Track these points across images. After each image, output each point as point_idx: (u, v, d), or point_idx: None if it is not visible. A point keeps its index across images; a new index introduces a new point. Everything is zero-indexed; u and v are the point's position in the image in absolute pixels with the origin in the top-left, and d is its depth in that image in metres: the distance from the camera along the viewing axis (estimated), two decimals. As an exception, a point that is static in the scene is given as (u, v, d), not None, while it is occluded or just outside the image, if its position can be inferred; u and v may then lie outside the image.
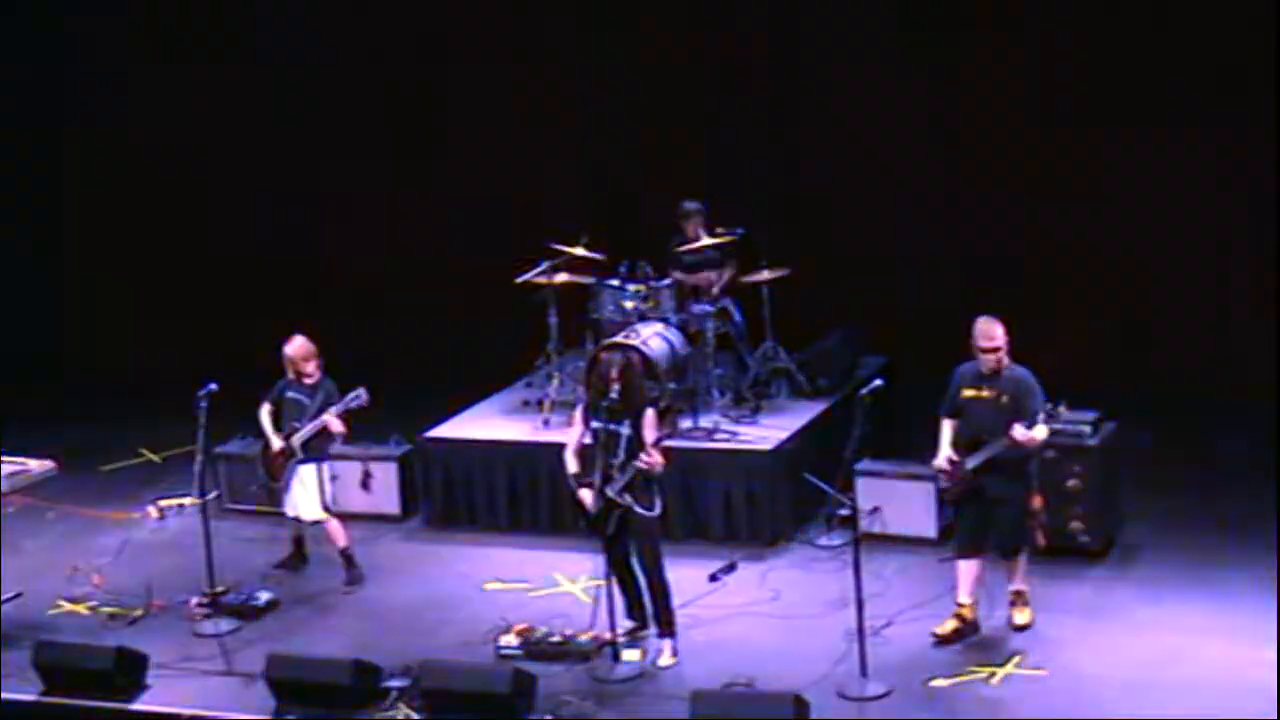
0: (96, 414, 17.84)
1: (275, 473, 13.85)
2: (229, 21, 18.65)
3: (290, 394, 13.85)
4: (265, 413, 13.91)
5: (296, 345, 13.85)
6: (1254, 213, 15.90)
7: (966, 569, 12.30)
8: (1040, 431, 11.87)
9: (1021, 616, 12.28)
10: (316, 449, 13.79)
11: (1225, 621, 12.31)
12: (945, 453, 12.18)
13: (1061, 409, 11.94)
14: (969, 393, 12.12)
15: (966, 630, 12.29)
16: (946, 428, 12.23)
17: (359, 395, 13.65)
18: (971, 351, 12.11)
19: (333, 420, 13.57)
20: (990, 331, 12.01)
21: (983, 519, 12.18)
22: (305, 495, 13.78)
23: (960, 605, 12.32)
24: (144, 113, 18.99)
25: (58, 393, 18.47)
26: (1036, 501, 12.26)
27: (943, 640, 12.23)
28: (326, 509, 13.84)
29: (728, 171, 16.88)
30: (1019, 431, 11.77)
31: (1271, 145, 15.63)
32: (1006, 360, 12.06)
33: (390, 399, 14.23)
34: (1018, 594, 12.31)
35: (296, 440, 13.69)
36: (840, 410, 14.85)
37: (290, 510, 13.90)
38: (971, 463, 12.03)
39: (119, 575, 14.15)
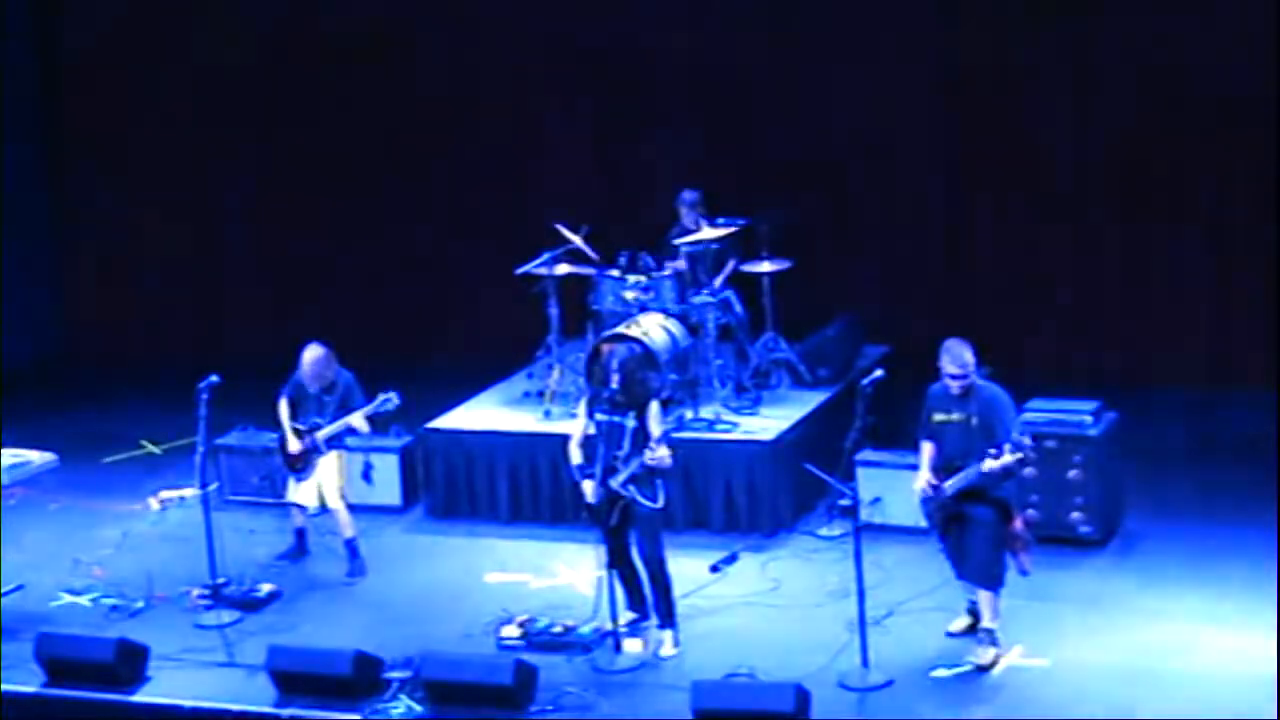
0: (97, 406, 17.83)
1: (295, 464, 13.84)
2: (229, 15, 18.67)
3: (309, 390, 13.84)
4: (283, 405, 13.89)
5: (312, 357, 13.72)
6: (1253, 200, 15.87)
7: None
8: (1008, 458, 11.47)
9: (985, 656, 11.84)
10: (336, 440, 13.80)
11: (1226, 611, 12.32)
12: (924, 476, 11.96)
13: (1027, 438, 11.62)
14: (940, 416, 11.87)
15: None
16: (924, 450, 12.00)
17: (389, 399, 13.62)
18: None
19: (360, 422, 13.59)
20: (960, 357, 11.71)
21: (961, 541, 11.98)
22: (328, 482, 13.77)
23: (974, 601, 12.18)
24: (146, 105, 18.99)
25: (59, 385, 18.47)
26: (1017, 524, 11.89)
27: (956, 635, 12.20)
28: (343, 496, 13.85)
29: (728, 162, 16.87)
30: (988, 464, 11.50)
31: (1272, 132, 15.63)
32: (976, 380, 11.79)
33: (391, 390, 14.20)
34: (987, 632, 11.91)
35: (322, 436, 13.67)
36: (841, 401, 14.85)
37: (307, 498, 13.87)
38: (948, 489, 11.82)
39: (120, 567, 14.16)
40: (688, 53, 17.23)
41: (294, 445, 13.74)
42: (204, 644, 12.76)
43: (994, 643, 11.88)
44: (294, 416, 13.84)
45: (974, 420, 11.73)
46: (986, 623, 11.95)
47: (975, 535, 11.84)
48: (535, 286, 15.47)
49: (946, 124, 16.64)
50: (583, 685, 11.91)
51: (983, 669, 11.80)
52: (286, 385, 13.93)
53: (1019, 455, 11.53)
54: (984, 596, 11.94)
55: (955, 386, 11.78)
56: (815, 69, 16.91)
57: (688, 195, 15.62)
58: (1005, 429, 11.64)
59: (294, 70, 18.45)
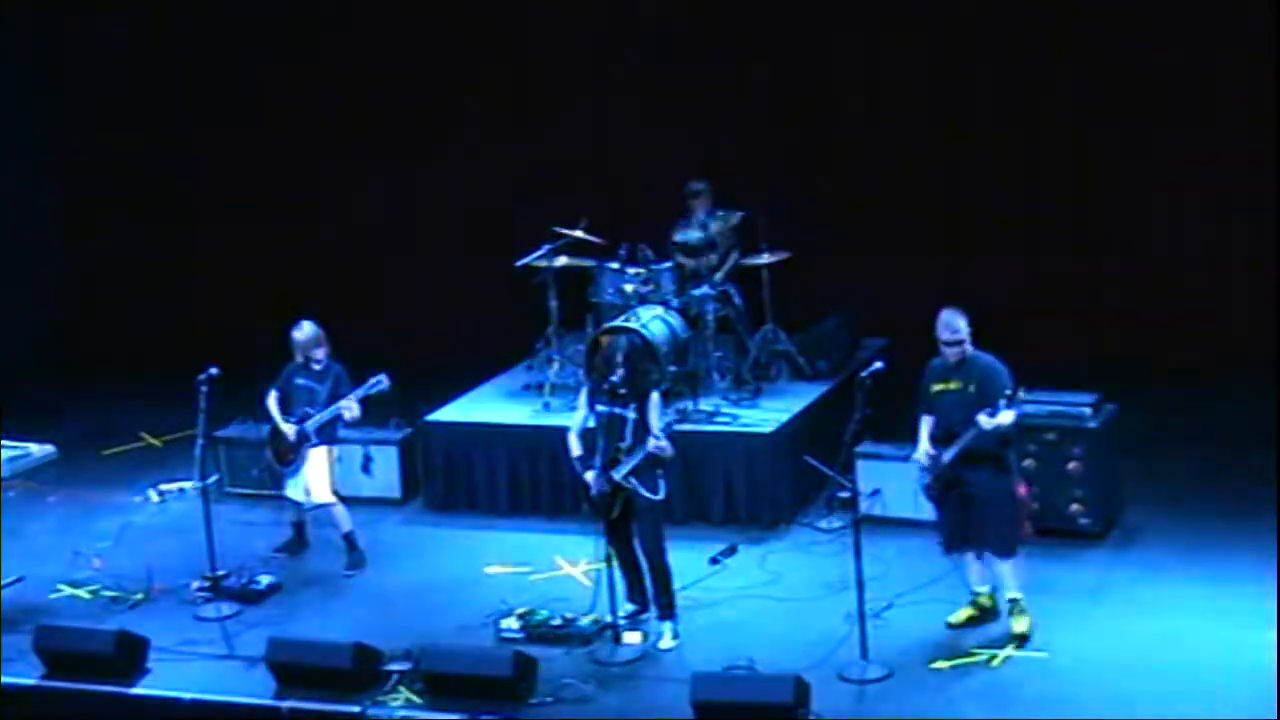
0: (97, 398, 17.83)
1: (285, 457, 13.84)
2: (226, 12, 18.69)
3: (299, 380, 13.84)
4: (273, 399, 13.89)
5: (306, 331, 13.81)
6: (1252, 189, 15.88)
7: (969, 559, 12.27)
8: (1005, 416, 11.65)
9: (1020, 624, 11.99)
10: (327, 432, 13.80)
11: (1226, 603, 12.32)
12: (924, 448, 12.06)
13: (1020, 393, 11.75)
14: (938, 386, 11.99)
15: (983, 618, 12.24)
16: (924, 424, 12.10)
17: (380, 381, 13.62)
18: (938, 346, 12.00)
19: (353, 407, 13.59)
20: (953, 324, 11.88)
21: (965, 512, 12.04)
22: (316, 477, 13.77)
23: (976, 594, 12.27)
24: (143, 96, 18.99)
25: (58, 377, 18.46)
26: (1020, 490, 12.04)
27: (956, 627, 12.22)
28: (335, 491, 13.85)
29: (728, 154, 16.86)
30: (984, 420, 11.62)
31: (1270, 126, 15.63)
32: (970, 350, 11.92)
33: (390, 382, 14.22)
34: (1013, 601, 12.04)
35: (311, 426, 13.67)
36: (840, 393, 14.85)
37: (298, 493, 13.89)
38: (947, 455, 11.88)
39: (120, 559, 14.17)
40: (691, 39, 17.24)
41: (289, 431, 13.73)
42: (203, 636, 12.77)
43: (1024, 611, 11.97)
44: (284, 411, 13.83)
45: (971, 388, 11.85)
46: (1012, 593, 12.03)
47: (989, 508, 11.92)
48: (535, 278, 15.47)
49: (946, 116, 16.63)
50: (582, 677, 11.91)
51: (1022, 639, 11.86)
52: (275, 378, 13.93)
53: (1015, 413, 11.66)
54: (1005, 569, 12.03)
55: (951, 354, 11.88)
56: (814, 64, 16.91)
57: (696, 185, 15.59)
58: (1001, 392, 11.73)
59: (291, 63, 18.43)
